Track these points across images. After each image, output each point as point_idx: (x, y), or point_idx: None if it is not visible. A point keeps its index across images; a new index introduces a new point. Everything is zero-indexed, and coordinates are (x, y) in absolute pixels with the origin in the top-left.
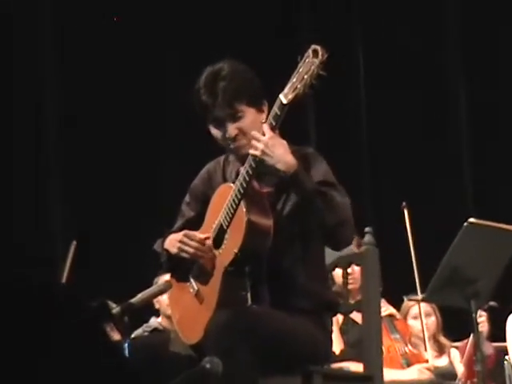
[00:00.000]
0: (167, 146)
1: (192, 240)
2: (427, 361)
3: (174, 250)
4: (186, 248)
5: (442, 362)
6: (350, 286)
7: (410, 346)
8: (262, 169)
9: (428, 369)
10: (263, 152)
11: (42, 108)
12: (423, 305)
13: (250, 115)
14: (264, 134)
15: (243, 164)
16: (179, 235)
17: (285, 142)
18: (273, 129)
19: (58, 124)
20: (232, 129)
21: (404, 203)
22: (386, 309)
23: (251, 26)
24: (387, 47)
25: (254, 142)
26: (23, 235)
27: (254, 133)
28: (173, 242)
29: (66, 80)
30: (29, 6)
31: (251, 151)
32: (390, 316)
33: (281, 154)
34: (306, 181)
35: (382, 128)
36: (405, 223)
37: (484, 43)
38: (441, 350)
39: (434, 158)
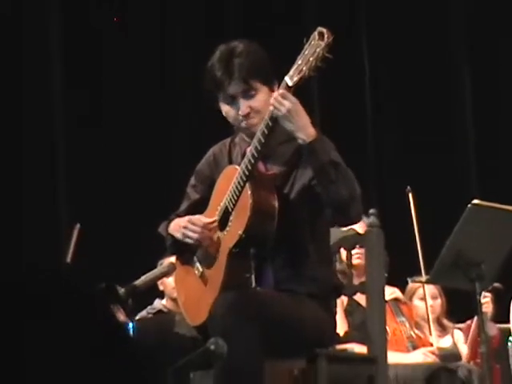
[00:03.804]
0: (177, 132)
1: (196, 225)
2: (432, 344)
3: (178, 235)
4: (190, 234)
5: (446, 341)
6: (355, 262)
7: (416, 330)
8: (267, 151)
9: (433, 352)
10: (285, 116)
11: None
12: (430, 287)
13: (262, 94)
14: (283, 97)
15: (249, 145)
16: (183, 220)
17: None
18: (274, 122)
19: (68, 108)
20: (245, 106)
21: (408, 187)
22: (392, 292)
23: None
24: (392, 31)
25: (276, 104)
26: (29, 219)
27: (276, 95)
28: (177, 227)
29: (73, 79)
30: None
31: (273, 110)
32: (396, 300)
33: (303, 123)
34: (323, 151)
35: (387, 110)
36: (409, 207)
37: (488, 33)
38: (444, 331)
39: (438, 140)
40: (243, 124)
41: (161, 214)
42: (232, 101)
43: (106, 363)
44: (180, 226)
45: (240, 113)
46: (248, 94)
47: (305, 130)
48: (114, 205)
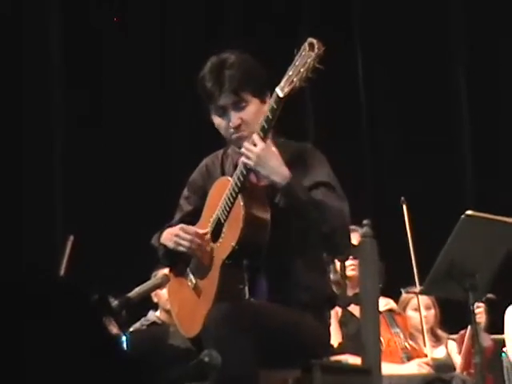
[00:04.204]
0: (177, 132)
1: (188, 234)
2: (426, 355)
3: (170, 244)
4: (183, 242)
5: (440, 352)
6: (350, 273)
7: (410, 341)
8: None
9: (427, 363)
10: (256, 163)
11: (50, 101)
12: (424, 297)
13: (253, 105)
14: (255, 144)
15: (241, 157)
16: (175, 229)
17: (277, 152)
18: (265, 132)
19: (67, 112)
20: (235, 118)
21: (403, 198)
22: (387, 303)
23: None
24: (389, 30)
25: (245, 153)
26: (25, 229)
27: (246, 145)
28: (169, 236)
29: (73, 79)
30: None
31: (244, 159)
32: (391, 311)
33: (274, 166)
34: (299, 192)
35: (382, 120)
36: (404, 218)
37: (488, 33)
38: (438, 341)
39: (434, 150)
40: (234, 136)
41: (160, 216)
42: (223, 113)
43: (105, 363)
44: (172, 235)
45: (231, 124)
46: (239, 105)
47: (278, 172)
48: (108, 216)
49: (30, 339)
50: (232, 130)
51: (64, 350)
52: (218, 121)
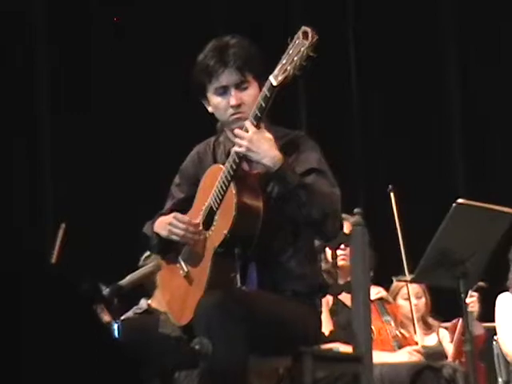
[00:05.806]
0: (163, 128)
1: (182, 223)
2: (417, 343)
3: (163, 233)
4: (176, 230)
5: (431, 340)
6: (341, 263)
7: (401, 329)
8: None
9: (418, 351)
10: (248, 148)
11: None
12: (414, 286)
13: (253, 89)
14: (247, 131)
15: (234, 145)
16: (169, 218)
17: (270, 136)
18: (258, 120)
19: (54, 99)
20: (237, 97)
21: (390, 186)
22: (378, 292)
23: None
24: (379, 32)
25: (237, 140)
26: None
27: (237, 131)
28: (162, 225)
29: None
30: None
31: (235, 148)
32: (382, 299)
33: (266, 149)
34: (290, 175)
35: (372, 108)
36: (391, 206)
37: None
38: (429, 329)
39: (424, 138)
40: (232, 117)
41: (152, 205)
42: (224, 91)
43: (106, 363)
44: (166, 223)
45: (231, 103)
46: (241, 86)
47: (270, 155)
48: (99, 203)
49: (29, 339)
50: (231, 110)
51: (65, 349)
52: (217, 100)
